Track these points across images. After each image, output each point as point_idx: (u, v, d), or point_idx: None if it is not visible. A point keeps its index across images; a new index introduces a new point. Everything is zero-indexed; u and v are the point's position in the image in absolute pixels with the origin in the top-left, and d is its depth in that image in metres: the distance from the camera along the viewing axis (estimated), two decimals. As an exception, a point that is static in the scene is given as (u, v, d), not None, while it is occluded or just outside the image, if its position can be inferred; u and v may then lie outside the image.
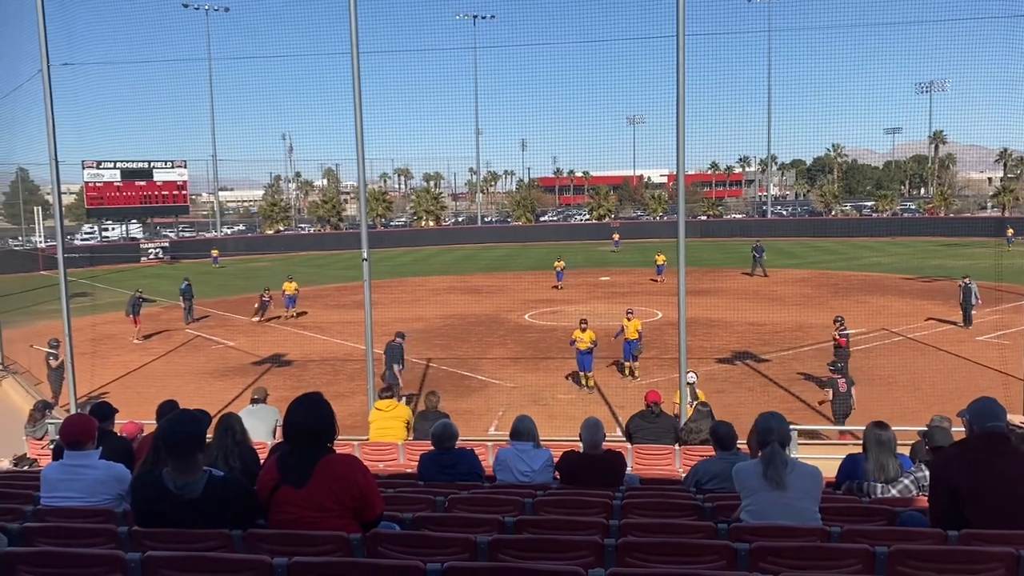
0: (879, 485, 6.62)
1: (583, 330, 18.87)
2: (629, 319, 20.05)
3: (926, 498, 5.69)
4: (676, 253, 14.00)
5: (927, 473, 6.02)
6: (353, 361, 21.26)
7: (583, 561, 3.71)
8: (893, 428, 7.11)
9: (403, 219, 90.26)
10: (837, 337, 18.33)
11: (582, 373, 19.04)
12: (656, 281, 36.85)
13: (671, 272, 34.62)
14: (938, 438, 7.71)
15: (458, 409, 15.39)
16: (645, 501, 5.86)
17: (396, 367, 17.53)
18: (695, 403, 12.39)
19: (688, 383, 14.36)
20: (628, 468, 8.61)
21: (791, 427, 6.41)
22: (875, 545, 3.97)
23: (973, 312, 24.33)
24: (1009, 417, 5.84)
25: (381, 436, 11.11)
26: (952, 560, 3.89)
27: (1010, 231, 52.32)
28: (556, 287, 36.44)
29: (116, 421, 7.92)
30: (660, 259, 37.27)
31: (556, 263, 37.67)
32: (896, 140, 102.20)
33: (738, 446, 7.43)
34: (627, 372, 19.98)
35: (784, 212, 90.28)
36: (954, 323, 24.78)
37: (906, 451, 8.17)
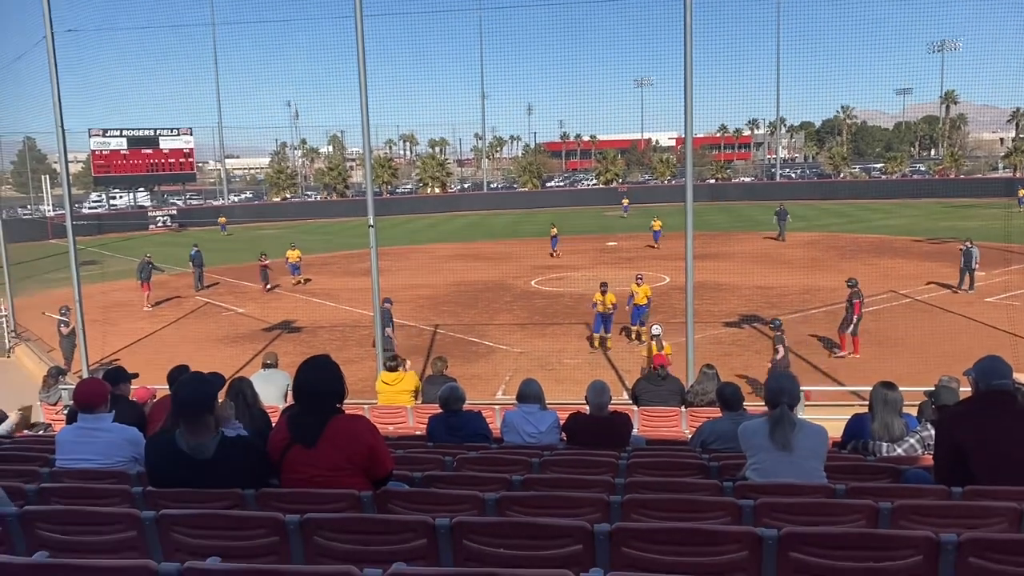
0: (884, 444, 6.67)
1: (603, 293, 19.14)
2: (639, 284, 20.09)
3: (931, 456, 5.74)
4: (684, 217, 13.98)
5: (932, 432, 6.06)
6: (362, 327, 21.35)
7: (589, 517, 3.76)
8: (901, 389, 7.16)
9: (409, 186, 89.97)
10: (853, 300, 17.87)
11: (598, 335, 19.26)
12: (654, 247, 36.48)
13: (667, 237, 34.48)
14: (944, 397, 7.76)
15: (466, 374, 15.49)
16: (651, 461, 5.92)
17: (387, 329, 17.65)
18: (702, 367, 12.41)
19: (653, 335, 15.34)
20: (634, 430, 8.68)
21: (801, 388, 6.44)
22: (879, 501, 4.02)
23: (975, 273, 24.04)
24: (1016, 375, 5.86)
25: (389, 403, 11.23)
26: (955, 515, 3.92)
27: (1021, 191, 51.87)
28: (553, 254, 36.36)
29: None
30: (656, 224, 37.02)
31: (551, 229, 37.53)
32: (907, 101, 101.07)
33: (744, 407, 7.50)
34: (634, 336, 20.04)
35: (793, 175, 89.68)
36: (951, 287, 24.56)
37: (914, 411, 8.22)
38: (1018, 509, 3.82)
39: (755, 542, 3.25)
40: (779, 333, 15.36)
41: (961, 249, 24.51)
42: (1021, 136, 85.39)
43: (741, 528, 3.42)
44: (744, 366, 16.59)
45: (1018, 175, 71.69)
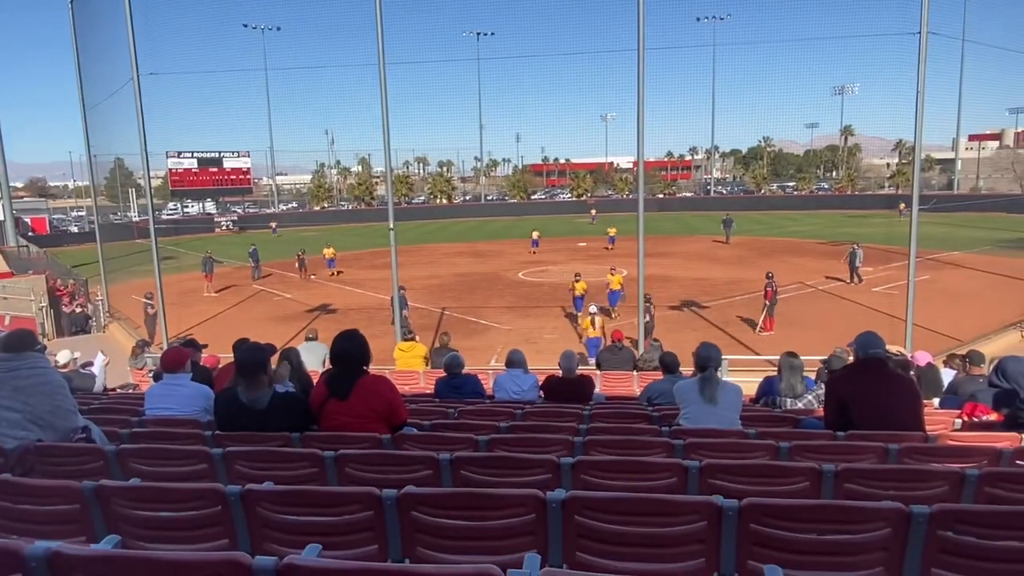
0: (788, 399, 6.78)
1: (576, 281, 19.48)
2: (612, 274, 20.40)
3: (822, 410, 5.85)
4: (637, 223, 14.06)
5: (823, 390, 6.17)
6: (384, 310, 21.31)
7: (558, 453, 3.85)
8: (802, 357, 7.28)
9: (422, 197, 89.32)
10: (766, 289, 18.04)
11: (579, 313, 19.17)
12: (608, 249, 34.85)
13: (622, 240, 34.13)
14: (835, 364, 7.89)
15: (465, 346, 15.49)
16: (608, 412, 6.02)
17: (404, 311, 17.59)
18: (649, 340, 12.52)
19: (591, 312, 15.82)
20: (596, 389, 8.77)
21: (723, 357, 6.54)
22: (779, 441, 4.12)
23: (860, 271, 23.98)
24: (888, 347, 5.97)
25: (405, 368, 11.29)
26: (837, 452, 4.03)
27: (902, 205, 52.11)
28: (532, 252, 35.80)
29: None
30: (611, 231, 35.90)
31: (533, 232, 37.16)
32: (814, 133, 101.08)
33: (680, 370, 7.60)
34: (613, 316, 19.93)
35: (724, 191, 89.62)
36: (843, 280, 24.45)
37: (812, 375, 8.33)
38: (883, 447, 3.93)
39: (682, 471, 3.35)
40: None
41: (848, 251, 24.49)
42: (902, 162, 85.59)
43: (672, 460, 3.51)
44: (683, 340, 16.60)
45: (899, 192, 71.95)
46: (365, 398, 4.31)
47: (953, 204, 50.54)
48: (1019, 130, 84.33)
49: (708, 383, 5.11)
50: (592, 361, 14.41)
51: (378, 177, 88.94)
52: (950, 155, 77.55)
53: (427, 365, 11.40)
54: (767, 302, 17.79)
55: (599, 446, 4.15)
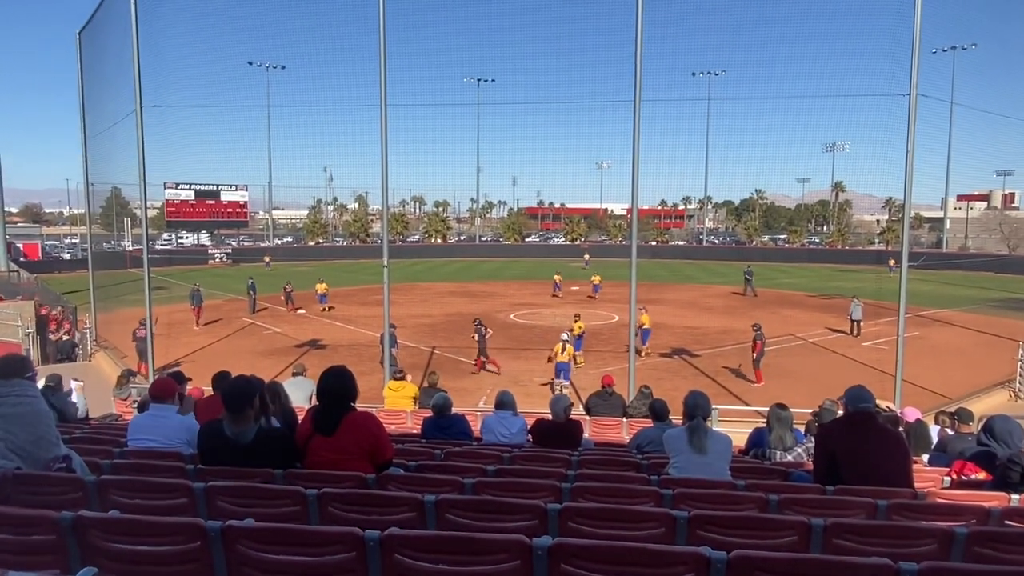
0: (778, 452, 6.74)
1: (575, 321, 20.69)
2: (576, 321, 20.99)
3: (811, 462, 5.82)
4: (630, 270, 14.16)
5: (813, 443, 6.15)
6: (374, 347, 21.20)
7: (546, 497, 3.81)
8: (792, 409, 7.26)
9: (417, 236, 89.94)
10: (754, 341, 18.07)
11: (578, 353, 19.03)
12: (592, 298, 34.11)
13: (615, 285, 33.98)
14: (825, 417, 7.86)
15: (454, 387, 15.41)
16: (596, 458, 5.96)
17: (392, 350, 17.50)
18: (640, 387, 12.46)
19: (562, 339, 16.72)
20: (585, 435, 8.70)
21: (713, 407, 6.53)
22: (768, 494, 4.09)
23: (860, 324, 24.49)
24: (878, 402, 5.98)
25: (393, 407, 11.18)
26: (827, 506, 4.00)
27: (892, 262, 52.64)
28: (555, 295, 35.23)
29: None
30: (596, 279, 35.40)
31: (555, 276, 36.48)
32: (806, 187, 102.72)
33: (670, 418, 7.56)
34: (579, 361, 19.49)
35: (716, 241, 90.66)
36: (844, 332, 24.90)
37: (802, 428, 8.30)
38: (873, 502, 3.91)
39: (671, 521, 3.32)
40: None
41: (851, 303, 25.06)
42: (892, 219, 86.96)
43: (661, 510, 3.47)
44: (673, 387, 16.62)
45: (889, 248, 72.84)
46: (351, 434, 4.27)
47: (942, 262, 51.21)
48: (1006, 192, 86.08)
49: (696, 432, 5.09)
50: (560, 380, 16.23)
51: (374, 215, 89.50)
52: (939, 214, 79.00)
53: (415, 405, 11.29)
54: (754, 354, 17.82)
55: (587, 493, 4.11)
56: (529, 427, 7.41)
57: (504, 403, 7.53)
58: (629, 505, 3.82)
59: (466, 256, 70.51)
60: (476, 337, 19.37)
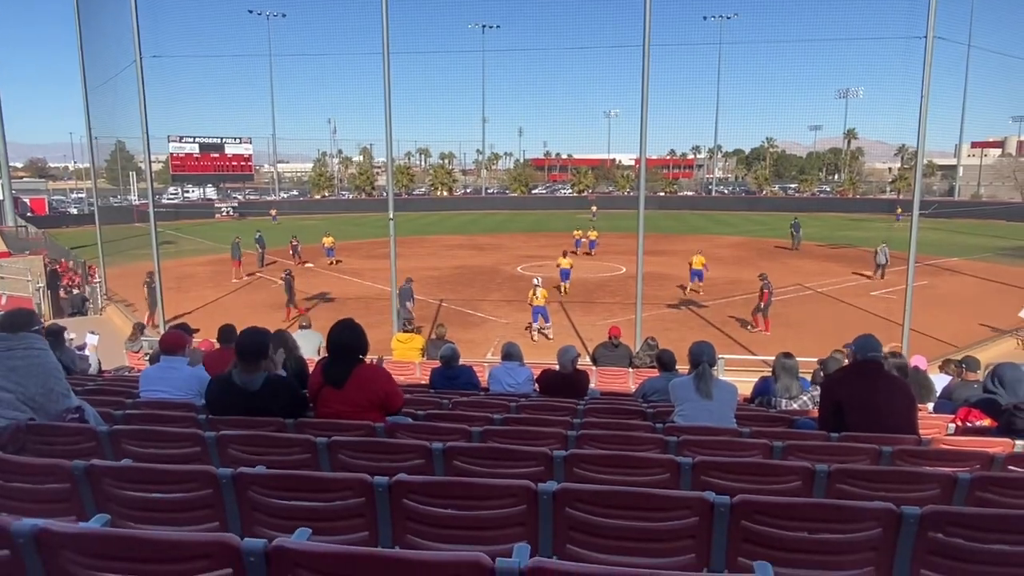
0: (783, 400, 6.78)
1: (564, 256, 22.68)
2: (564, 257, 23.69)
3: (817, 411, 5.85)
4: (637, 221, 14.05)
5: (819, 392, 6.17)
6: (382, 300, 21.28)
7: (552, 445, 3.84)
8: (798, 359, 7.28)
9: (423, 189, 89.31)
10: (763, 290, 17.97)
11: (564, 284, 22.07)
12: (589, 254, 32.58)
13: (618, 237, 32.96)
14: (831, 366, 7.88)
15: (462, 339, 15.49)
16: (602, 407, 6.00)
17: (408, 304, 17.62)
18: (646, 338, 12.50)
19: (534, 284, 17.50)
20: (592, 384, 8.77)
21: (720, 356, 6.53)
22: (773, 441, 4.12)
23: (885, 268, 25.39)
24: (885, 348, 5.98)
25: (401, 358, 11.28)
26: (830, 452, 4.02)
27: (899, 210, 51.96)
28: (588, 253, 32.99)
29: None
30: (592, 235, 33.44)
31: (590, 233, 33.88)
32: (817, 135, 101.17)
33: (676, 368, 7.58)
34: (564, 290, 22.51)
35: (725, 191, 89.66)
36: (868, 276, 25.66)
37: (807, 376, 8.34)
38: (877, 449, 3.93)
39: (675, 467, 3.34)
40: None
41: (876, 250, 25.84)
42: (904, 167, 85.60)
43: (666, 456, 3.50)
44: (679, 338, 16.62)
45: (900, 197, 71.90)
46: (361, 388, 4.30)
47: (953, 211, 50.55)
48: (1022, 138, 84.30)
49: (703, 379, 5.10)
50: (536, 325, 17.16)
51: (379, 167, 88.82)
52: (952, 161, 77.62)
53: (423, 356, 11.39)
54: (762, 303, 17.80)
55: (592, 440, 4.15)
56: (536, 377, 7.46)
57: (511, 354, 7.57)
58: (634, 452, 3.85)
59: (472, 209, 70.03)
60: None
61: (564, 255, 28.54)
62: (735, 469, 3.35)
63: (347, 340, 4.34)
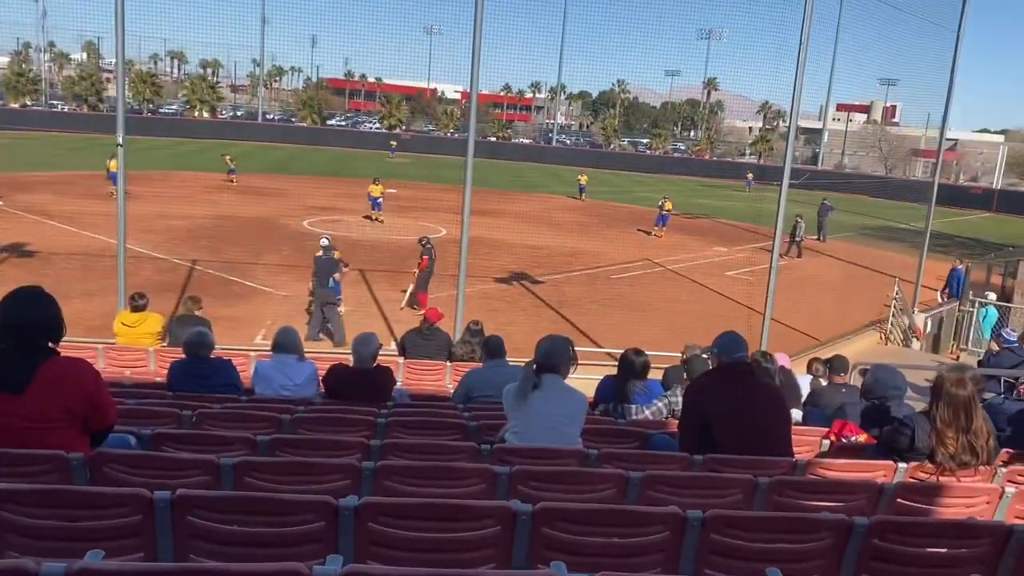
0: (632, 406, 6.93)
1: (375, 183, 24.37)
2: (375, 184, 26.65)
3: (676, 422, 6.02)
4: (464, 171, 13.84)
5: (680, 399, 6.35)
6: (107, 258, 19.37)
7: (338, 486, 3.51)
8: (648, 353, 7.49)
9: (174, 106, 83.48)
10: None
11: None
12: (369, 218, 30.57)
13: (431, 190, 33.06)
14: (696, 367, 8.20)
15: (223, 316, 14.48)
16: (411, 420, 5.73)
17: (335, 274, 15.62)
18: (468, 323, 12.38)
19: (322, 245, 16.43)
20: (398, 384, 8.49)
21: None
22: (629, 471, 4.07)
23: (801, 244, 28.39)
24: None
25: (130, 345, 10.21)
26: (698, 486, 4.08)
27: (749, 175, 56.95)
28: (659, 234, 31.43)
29: None
30: (375, 190, 30.55)
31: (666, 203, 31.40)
32: (674, 83, 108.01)
33: (506, 357, 7.54)
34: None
35: (568, 141, 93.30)
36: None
37: (658, 376, 8.63)
38: (753, 480, 4.02)
39: (509, 517, 3.14)
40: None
41: (793, 223, 27.05)
42: (766, 127, 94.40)
43: (495, 503, 3.33)
44: (509, 322, 16.85)
45: (761, 161, 79.20)
46: (52, 391, 3.72)
47: (818, 182, 56.46)
48: (888, 104, 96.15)
49: (544, 387, 4.95)
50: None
51: (111, 71, 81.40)
52: (816, 124, 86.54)
53: (161, 342, 10.42)
54: (419, 271, 17.61)
55: (397, 475, 3.85)
56: (322, 375, 7.03)
57: (285, 344, 7.03)
58: (456, 489, 3.65)
59: (244, 139, 66.48)
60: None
61: (375, 181, 30.22)
62: (585, 518, 3.26)
63: (28, 319, 3.73)
